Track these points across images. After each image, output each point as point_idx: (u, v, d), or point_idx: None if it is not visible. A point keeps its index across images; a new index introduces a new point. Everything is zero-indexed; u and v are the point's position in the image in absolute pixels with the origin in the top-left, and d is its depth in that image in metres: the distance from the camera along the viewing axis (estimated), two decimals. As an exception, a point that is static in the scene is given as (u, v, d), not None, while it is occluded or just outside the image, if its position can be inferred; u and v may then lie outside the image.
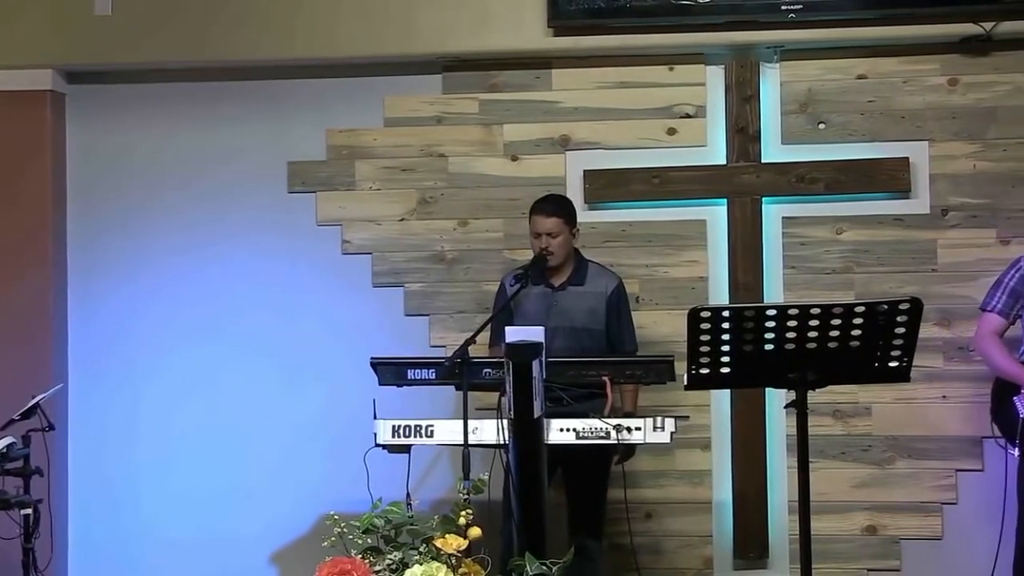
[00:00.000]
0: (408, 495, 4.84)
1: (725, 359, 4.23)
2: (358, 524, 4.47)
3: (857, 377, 4.52)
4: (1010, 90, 5.93)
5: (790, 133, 6.03)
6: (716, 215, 6.03)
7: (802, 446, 4.27)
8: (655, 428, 4.97)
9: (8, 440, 4.93)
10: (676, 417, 5.02)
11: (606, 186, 6.05)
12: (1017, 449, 5.21)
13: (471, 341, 4.96)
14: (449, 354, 5.07)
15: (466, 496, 4.63)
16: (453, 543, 4.33)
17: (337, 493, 5.20)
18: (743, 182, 5.98)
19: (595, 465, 5.34)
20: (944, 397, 5.82)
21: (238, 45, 6.05)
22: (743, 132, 5.99)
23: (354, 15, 6.00)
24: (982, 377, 5.61)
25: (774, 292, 5.98)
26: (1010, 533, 5.22)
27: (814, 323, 4.12)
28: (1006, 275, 5.39)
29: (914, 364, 4.28)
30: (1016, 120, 5.92)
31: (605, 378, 5.11)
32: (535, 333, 4.88)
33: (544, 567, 4.42)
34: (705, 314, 4.18)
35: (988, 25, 5.76)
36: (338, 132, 6.23)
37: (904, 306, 4.14)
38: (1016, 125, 5.92)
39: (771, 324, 4.14)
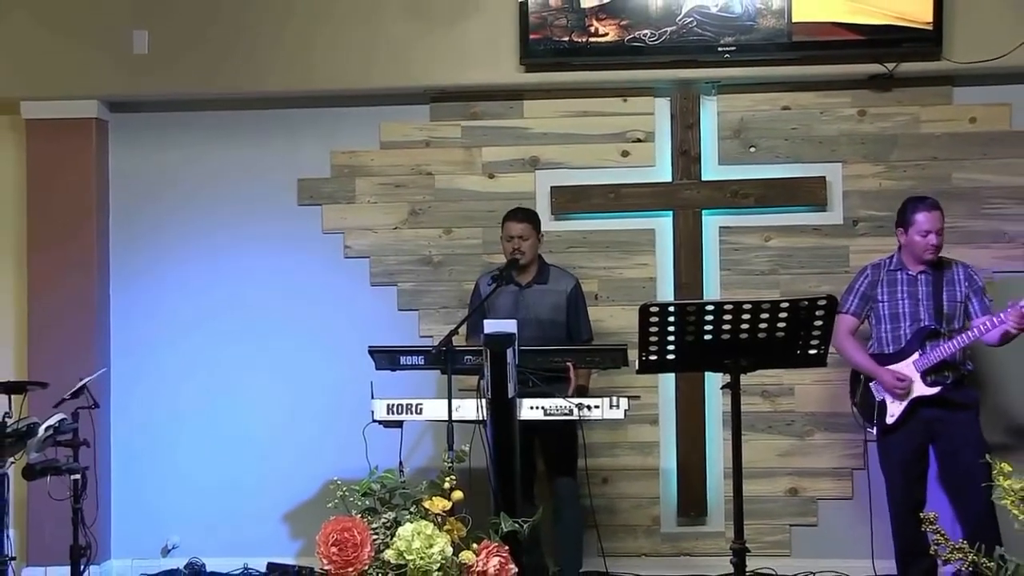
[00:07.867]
0: (400, 463, 4.83)
1: (671, 347, 4.21)
2: (358, 488, 4.45)
3: (782, 362, 4.51)
4: (909, 120, 5.98)
5: (726, 155, 6.05)
6: (663, 225, 6.05)
7: (736, 421, 4.28)
8: (611, 406, 4.99)
9: (60, 416, 4.93)
10: (629, 397, 5.04)
11: (569, 200, 6.06)
12: (875, 428, 5.26)
13: (454, 332, 4.97)
14: (436, 343, 5.08)
15: (450, 464, 4.62)
16: (439, 504, 4.32)
17: (340, 462, 5.16)
18: (686, 197, 6.00)
19: (562, 430, 5.31)
20: (855, 379, 5.83)
21: (256, 79, 6.03)
22: (686, 154, 6.01)
23: (355, 54, 5.98)
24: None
25: (712, 290, 5.99)
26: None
27: (746, 317, 4.12)
28: (856, 281, 5.38)
29: (829, 351, 4.30)
30: (914, 145, 5.97)
31: (569, 364, 5.14)
32: (509, 325, 4.91)
33: (516, 525, 4.44)
34: (654, 309, 4.17)
35: (891, 65, 5.80)
36: (341, 153, 6.22)
37: (822, 302, 4.15)
38: (914, 149, 5.97)
39: (710, 318, 4.13)
